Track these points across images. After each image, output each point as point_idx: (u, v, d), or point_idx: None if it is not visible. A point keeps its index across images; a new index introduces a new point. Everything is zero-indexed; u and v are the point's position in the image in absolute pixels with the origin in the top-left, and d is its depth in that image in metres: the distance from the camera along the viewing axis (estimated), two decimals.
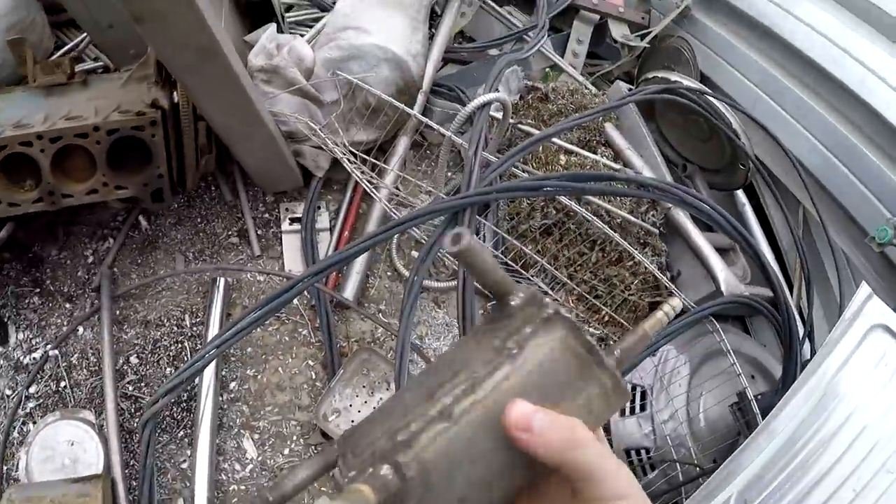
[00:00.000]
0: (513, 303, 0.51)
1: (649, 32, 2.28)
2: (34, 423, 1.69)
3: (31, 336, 1.80)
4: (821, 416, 1.17)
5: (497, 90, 1.74)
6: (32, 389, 1.74)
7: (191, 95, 1.58)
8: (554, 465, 0.46)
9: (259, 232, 1.92)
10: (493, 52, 2.33)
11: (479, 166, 1.60)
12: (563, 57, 2.35)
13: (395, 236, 1.91)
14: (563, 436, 0.46)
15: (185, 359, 1.74)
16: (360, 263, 1.80)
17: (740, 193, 2.14)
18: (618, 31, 2.31)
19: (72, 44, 2.16)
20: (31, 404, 1.73)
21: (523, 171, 1.87)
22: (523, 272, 1.75)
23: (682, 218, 1.84)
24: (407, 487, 0.44)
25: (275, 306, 1.41)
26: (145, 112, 1.57)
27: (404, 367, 1.38)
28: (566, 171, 1.75)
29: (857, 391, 1.18)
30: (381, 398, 1.67)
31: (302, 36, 1.96)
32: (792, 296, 1.93)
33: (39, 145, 1.54)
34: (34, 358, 1.78)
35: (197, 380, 1.70)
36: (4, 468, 1.64)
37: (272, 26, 1.93)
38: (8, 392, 1.74)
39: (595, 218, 1.71)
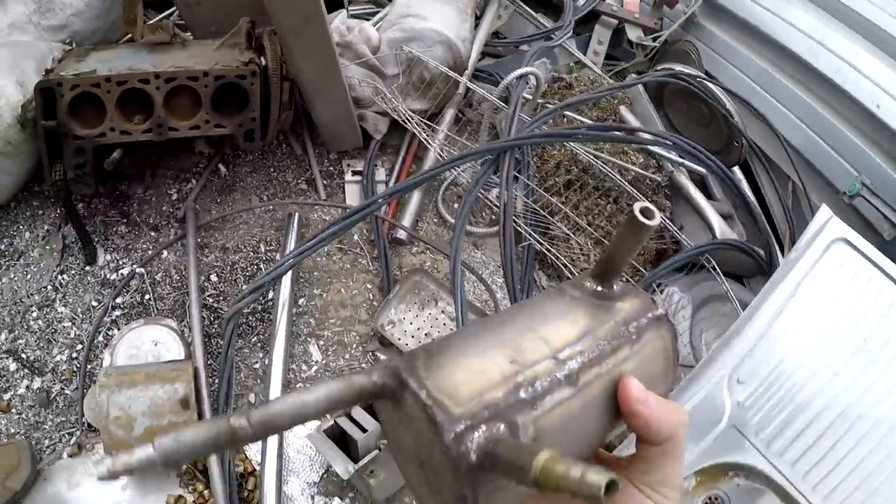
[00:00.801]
0: (615, 287, 0.52)
1: (660, 35, 2.65)
2: (118, 329, 1.96)
3: (118, 258, 2.12)
4: (793, 309, 1.35)
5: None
6: (119, 300, 2.04)
7: (289, 54, 1.93)
8: (661, 438, 0.47)
9: (324, 182, 2.26)
10: (525, 48, 2.70)
11: (517, 121, 1.95)
12: (584, 55, 2.72)
13: (442, 188, 2.25)
14: (676, 414, 0.48)
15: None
16: (413, 204, 2.14)
17: (737, 170, 2.47)
18: (633, 34, 2.68)
19: (159, 16, 2.53)
20: (116, 313, 2.02)
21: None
22: (550, 218, 2.08)
23: (684, 180, 2.18)
24: None
25: (345, 225, 1.75)
26: (247, 64, 1.92)
27: (457, 278, 1.69)
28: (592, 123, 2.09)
29: (823, 290, 1.36)
30: (430, 314, 1.98)
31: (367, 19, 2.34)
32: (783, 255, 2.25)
33: (155, 84, 1.88)
34: (121, 275, 2.08)
35: (272, 294, 2.03)
36: (88, 367, 1.90)
37: (343, 12, 2.31)
38: (94, 303, 2.04)
39: (611, 171, 2.05)
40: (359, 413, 1.70)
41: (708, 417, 1.33)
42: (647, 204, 0.46)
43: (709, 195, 2.29)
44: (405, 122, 2.19)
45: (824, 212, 1.51)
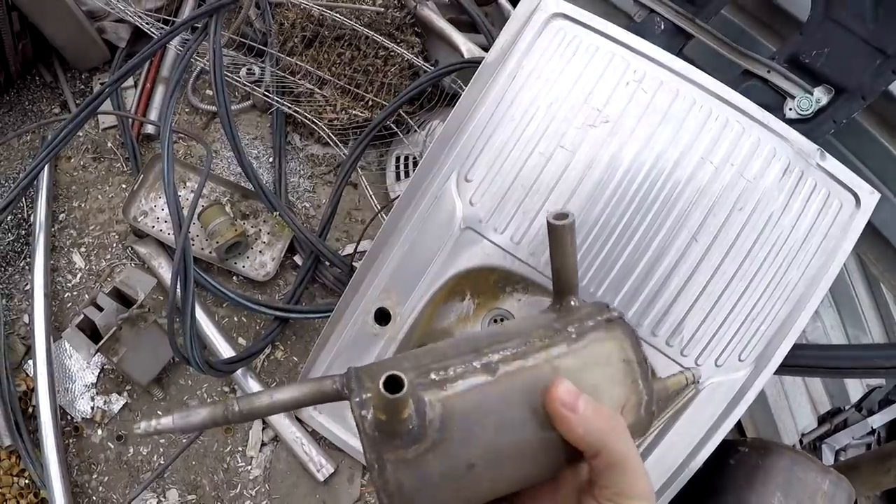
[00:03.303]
0: (573, 303, 0.51)
1: None
2: None
3: None
4: (514, 94, 1.21)
5: None
6: None
7: None
8: (591, 448, 0.44)
9: (77, 102, 2.21)
10: None
11: None
12: None
13: (192, 78, 2.20)
14: (606, 421, 0.45)
15: (24, 209, 2.03)
16: (158, 98, 2.10)
17: (505, 2, 2.41)
18: None
19: None
20: None
21: None
22: (290, 77, 2.04)
23: (428, 12, 2.12)
24: (423, 428, 0.41)
25: (89, 111, 1.69)
26: None
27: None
28: None
29: (545, 68, 1.22)
30: (180, 195, 1.94)
31: None
32: None
33: None
34: None
35: (32, 217, 1.99)
36: None
37: None
38: None
39: (345, 18, 2.00)
40: (101, 298, 1.68)
41: (441, 223, 1.21)
42: (556, 210, 0.48)
43: (473, 28, 2.24)
44: (141, 25, 2.12)
45: None
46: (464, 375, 0.43)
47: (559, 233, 0.48)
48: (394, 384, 0.37)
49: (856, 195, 1.13)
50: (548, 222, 0.48)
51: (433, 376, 0.43)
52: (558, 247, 0.49)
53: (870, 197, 1.13)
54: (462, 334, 0.55)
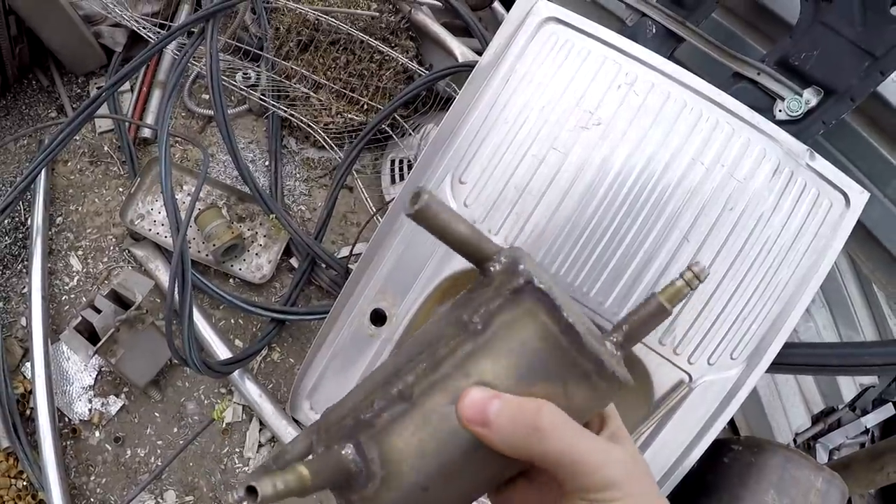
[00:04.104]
0: (492, 269, 0.45)
1: None
2: None
3: None
4: (507, 97, 1.23)
5: None
6: None
7: None
8: (522, 457, 0.40)
9: (74, 106, 2.22)
10: None
11: None
12: None
13: (188, 83, 2.21)
14: (523, 427, 0.39)
15: (21, 213, 2.04)
16: (154, 102, 2.11)
17: (499, 7, 2.43)
18: None
19: None
20: None
21: None
22: (286, 82, 2.05)
23: (423, 17, 2.14)
24: (368, 469, 0.42)
25: (86, 115, 1.71)
26: None
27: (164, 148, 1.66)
28: None
29: (538, 71, 1.24)
30: (176, 199, 1.95)
31: None
32: None
33: None
34: None
35: (30, 220, 2.00)
36: None
37: None
38: None
39: (340, 23, 2.01)
40: (99, 300, 1.68)
41: None
42: (414, 192, 0.43)
43: (466, 32, 2.25)
44: (138, 29, 2.14)
45: None
46: (386, 408, 0.43)
47: (423, 215, 0.43)
48: (253, 491, 0.37)
49: (845, 195, 1.15)
50: (409, 216, 0.44)
51: (363, 416, 0.43)
52: (434, 230, 0.44)
53: (859, 196, 1.14)
54: (392, 352, 0.46)
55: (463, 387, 0.41)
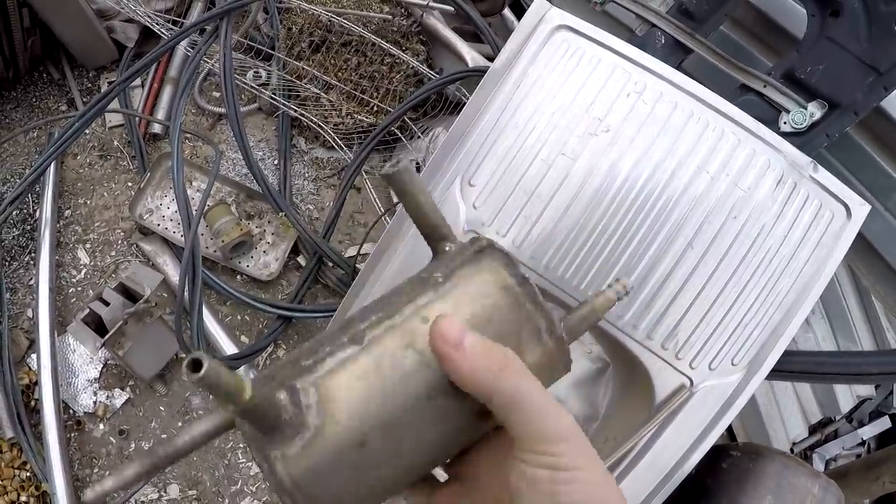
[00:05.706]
0: (447, 248, 0.46)
1: None
2: None
3: None
4: (518, 102, 1.24)
5: None
6: None
7: None
8: (481, 393, 0.39)
9: (84, 100, 2.24)
10: None
11: None
12: None
13: (199, 80, 2.23)
14: (494, 359, 0.39)
15: (30, 205, 2.06)
16: (165, 98, 2.13)
17: (508, 14, 2.46)
18: None
19: None
20: None
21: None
22: (297, 82, 2.07)
23: (434, 21, 2.16)
24: (302, 417, 0.39)
25: (97, 109, 1.73)
26: None
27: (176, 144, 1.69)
28: None
29: (549, 78, 1.25)
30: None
31: None
32: None
33: None
34: None
35: (38, 213, 2.02)
36: None
37: None
38: None
39: (353, 24, 2.04)
40: (107, 293, 1.70)
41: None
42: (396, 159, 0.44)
43: (477, 39, 2.28)
44: (151, 25, 2.16)
45: (539, 3, 1.40)
46: (332, 353, 0.41)
47: (397, 178, 0.43)
48: (197, 365, 0.34)
49: (847, 206, 1.17)
50: (383, 175, 0.44)
51: (303, 362, 0.41)
52: (404, 195, 0.44)
53: (860, 208, 1.17)
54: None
55: (421, 330, 0.41)
